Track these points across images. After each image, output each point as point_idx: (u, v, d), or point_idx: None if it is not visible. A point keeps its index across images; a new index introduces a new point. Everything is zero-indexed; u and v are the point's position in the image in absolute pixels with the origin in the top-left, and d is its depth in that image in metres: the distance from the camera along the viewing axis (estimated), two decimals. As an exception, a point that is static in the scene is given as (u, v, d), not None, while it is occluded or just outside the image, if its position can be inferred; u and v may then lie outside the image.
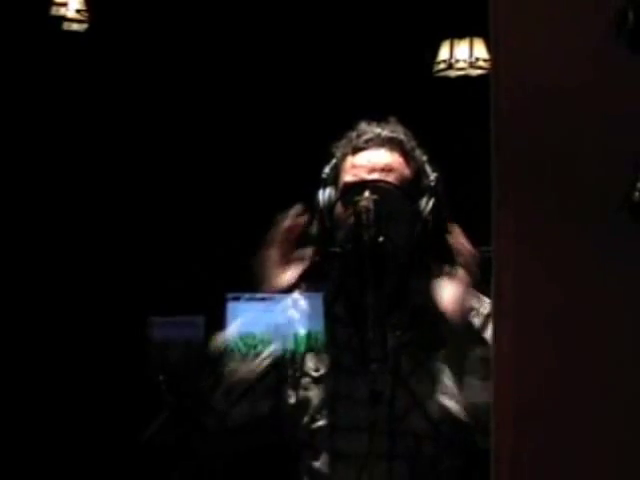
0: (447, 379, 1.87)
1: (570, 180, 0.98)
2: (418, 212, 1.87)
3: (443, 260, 1.91)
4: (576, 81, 0.97)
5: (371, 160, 1.90)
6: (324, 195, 1.91)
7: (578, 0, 0.96)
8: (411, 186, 1.89)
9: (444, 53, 4.32)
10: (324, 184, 1.93)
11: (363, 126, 1.95)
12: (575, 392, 0.97)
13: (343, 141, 1.95)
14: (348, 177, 1.90)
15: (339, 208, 1.88)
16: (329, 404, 1.91)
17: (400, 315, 1.91)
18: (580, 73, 0.98)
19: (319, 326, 1.91)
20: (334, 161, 1.95)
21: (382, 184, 1.86)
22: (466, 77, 4.29)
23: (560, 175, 0.98)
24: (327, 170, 1.95)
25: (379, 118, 1.97)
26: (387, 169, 1.88)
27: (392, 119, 1.96)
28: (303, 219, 1.92)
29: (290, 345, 1.92)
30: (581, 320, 0.97)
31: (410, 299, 1.92)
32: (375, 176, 1.87)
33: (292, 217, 1.93)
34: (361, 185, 1.86)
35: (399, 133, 1.94)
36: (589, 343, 0.97)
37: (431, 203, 1.88)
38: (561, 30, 0.97)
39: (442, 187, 1.92)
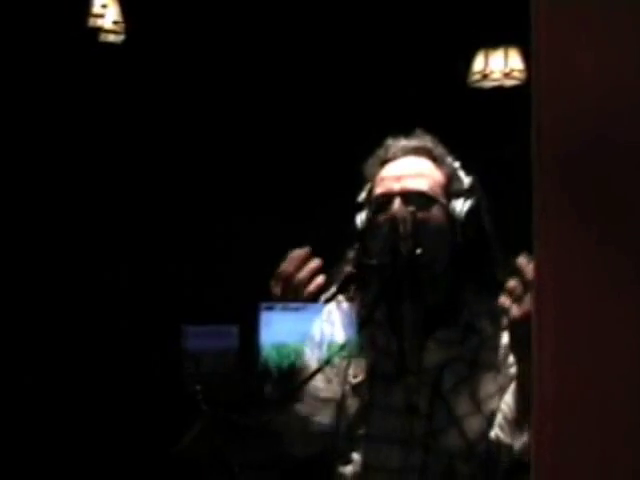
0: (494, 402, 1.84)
1: (614, 191, 0.97)
2: (453, 217, 1.84)
3: (490, 270, 1.86)
4: (620, 93, 0.96)
5: (399, 169, 1.88)
6: (361, 218, 1.89)
7: (625, 12, 0.95)
8: (443, 190, 1.86)
9: (479, 64, 4.30)
10: (360, 208, 1.91)
11: (389, 141, 1.94)
12: (617, 406, 0.96)
13: (371, 160, 1.94)
14: (378, 189, 1.88)
15: (374, 222, 1.86)
16: (365, 413, 1.88)
17: (449, 330, 1.88)
18: (624, 85, 0.97)
19: (353, 336, 1.90)
20: (367, 183, 1.92)
21: (413, 193, 1.84)
22: (500, 88, 4.28)
23: (604, 186, 0.97)
24: (363, 194, 1.92)
25: (407, 131, 1.96)
26: (416, 175, 1.86)
27: (419, 130, 1.95)
28: (303, 262, 1.83)
29: (325, 355, 1.91)
30: (623, 333, 0.96)
31: (462, 315, 1.88)
32: (405, 183, 1.85)
33: (291, 260, 1.84)
34: (390, 196, 1.85)
35: (426, 141, 1.92)
36: (632, 355, 0.96)
37: (467, 206, 1.84)
38: (605, 42, 0.97)
39: (479, 191, 1.90)
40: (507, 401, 1.80)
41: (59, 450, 4.05)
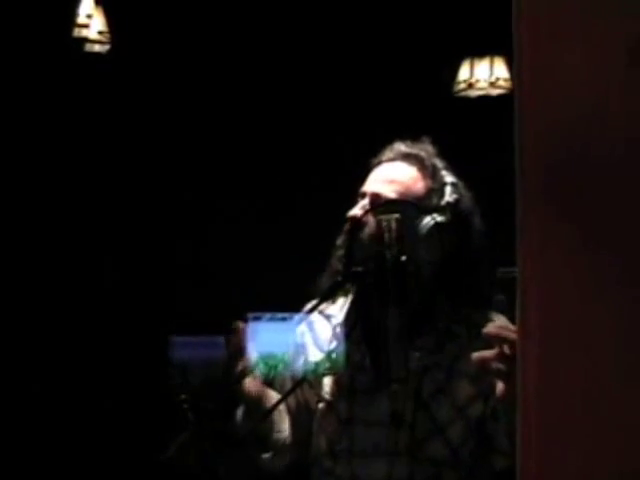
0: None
1: (598, 200, 0.97)
2: (419, 230, 1.84)
3: (474, 284, 1.86)
4: (604, 103, 0.97)
5: (380, 171, 1.94)
6: (352, 211, 1.94)
7: (607, 23, 0.96)
8: (418, 201, 1.88)
9: (464, 73, 4.32)
10: (358, 198, 1.96)
11: (394, 144, 1.99)
12: (601, 412, 0.97)
13: (375, 158, 2.00)
14: (363, 186, 1.96)
15: (363, 222, 1.89)
16: (346, 429, 1.88)
17: (427, 337, 1.89)
18: (607, 95, 0.98)
19: (335, 348, 1.90)
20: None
21: (393, 198, 1.86)
22: (486, 97, 4.29)
23: (586, 193, 0.97)
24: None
25: (414, 138, 2.00)
26: (389, 180, 1.91)
27: (425, 139, 1.98)
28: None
29: (309, 368, 1.91)
30: (608, 341, 0.96)
31: (438, 322, 1.90)
32: (378, 187, 1.90)
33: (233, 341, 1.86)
34: (366, 194, 1.92)
35: (422, 150, 1.95)
36: (616, 363, 0.96)
37: (432, 223, 1.83)
38: (588, 52, 0.97)
39: (466, 209, 1.89)
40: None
41: (56, 457, 4.04)
